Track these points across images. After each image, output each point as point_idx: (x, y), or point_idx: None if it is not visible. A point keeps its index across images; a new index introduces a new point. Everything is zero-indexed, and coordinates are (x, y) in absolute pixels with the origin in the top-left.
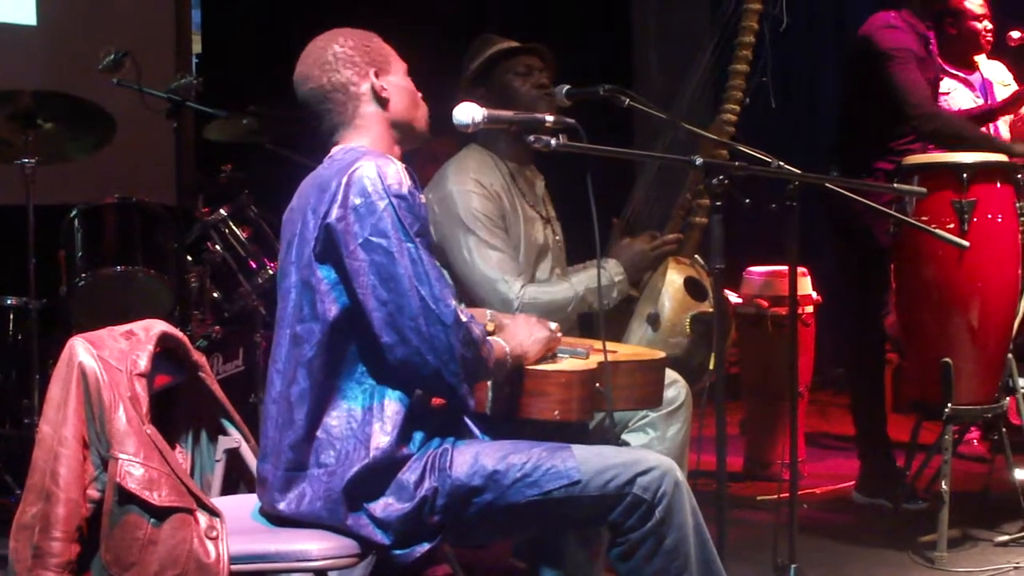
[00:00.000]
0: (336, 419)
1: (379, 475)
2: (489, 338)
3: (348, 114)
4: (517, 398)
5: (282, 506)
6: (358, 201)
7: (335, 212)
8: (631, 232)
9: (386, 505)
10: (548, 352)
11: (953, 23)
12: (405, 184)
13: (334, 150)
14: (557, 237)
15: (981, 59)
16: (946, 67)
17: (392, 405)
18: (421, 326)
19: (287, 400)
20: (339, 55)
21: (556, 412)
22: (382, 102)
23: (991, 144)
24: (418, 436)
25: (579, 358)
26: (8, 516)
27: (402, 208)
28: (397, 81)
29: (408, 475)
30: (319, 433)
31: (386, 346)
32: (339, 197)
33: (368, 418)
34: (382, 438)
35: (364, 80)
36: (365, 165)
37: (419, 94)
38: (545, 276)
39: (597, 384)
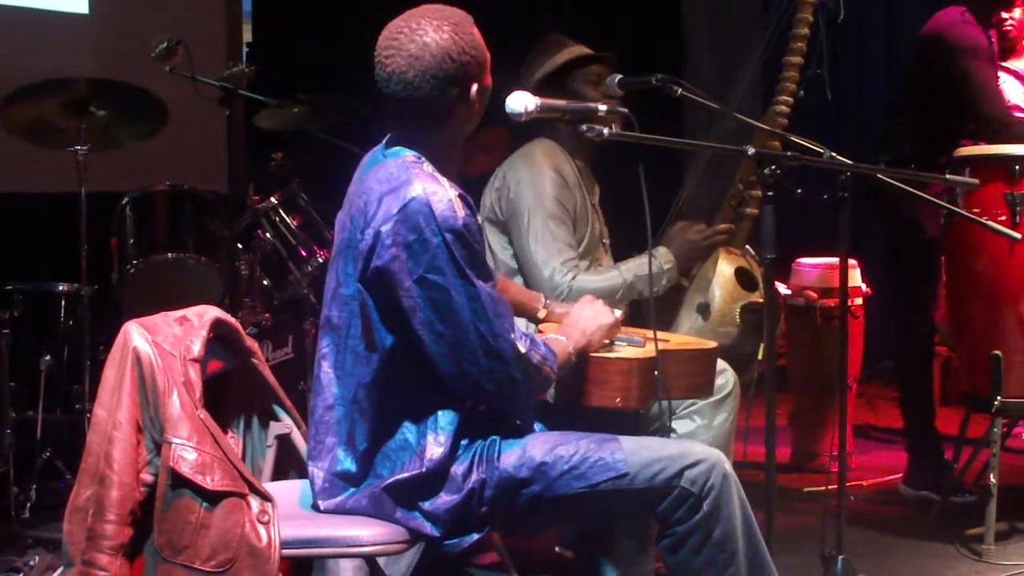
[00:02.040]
0: (394, 435)
1: (430, 483)
2: (550, 339)
3: (434, 121)
4: (579, 386)
5: (327, 504)
6: (411, 238)
7: (387, 253)
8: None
9: (435, 499)
10: (610, 338)
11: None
12: (459, 215)
13: (390, 158)
14: (606, 242)
15: None
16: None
17: (446, 416)
18: (480, 360)
19: (347, 415)
20: (459, 59)
21: (617, 399)
22: (471, 112)
23: None
24: (467, 440)
25: (636, 346)
26: (60, 500)
27: (455, 244)
28: (484, 91)
29: (456, 467)
30: (377, 449)
31: (446, 376)
32: (390, 237)
33: (423, 430)
34: (436, 449)
35: (469, 92)
36: (416, 196)
37: None
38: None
39: (655, 372)
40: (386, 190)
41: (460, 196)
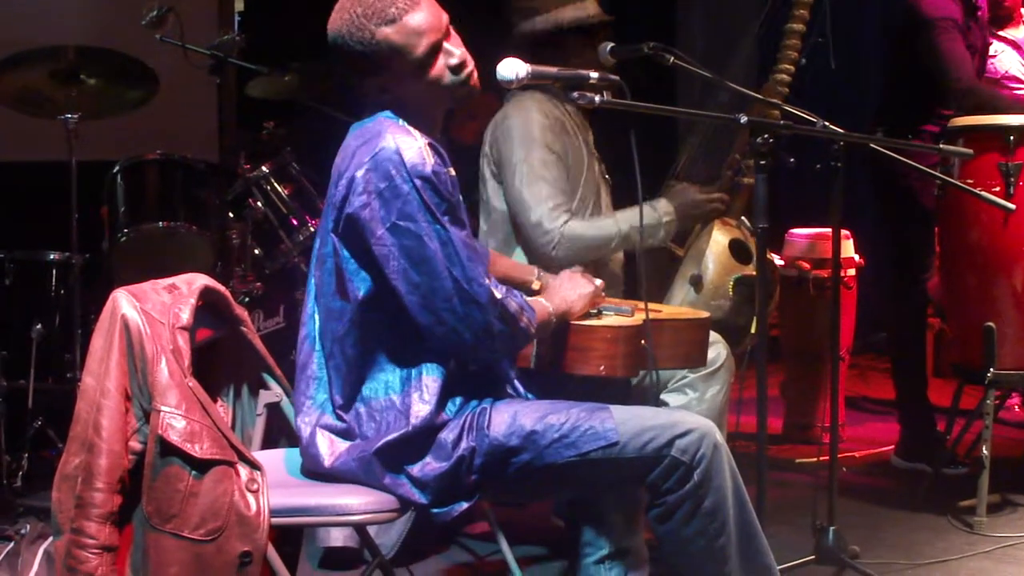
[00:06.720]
0: (375, 392)
1: (417, 443)
2: (530, 299)
3: (373, 72)
4: (561, 353)
5: (317, 454)
6: (382, 185)
7: (358, 200)
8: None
9: (424, 465)
10: (592, 307)
11: None
12: (428, 163)
13: (369, 121)
14: (607, 177)
15: None
16: (993, 29)
17: (430, 375)
18: (456, 307)
19: (324, 372)
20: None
21: (601, 367)
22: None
23: None
24: (457, 400)
25: (624, 315)
26: (52, 469)
27: (427, 190)
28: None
29: (446, 434)
30: (359, 406)
31: (423, 327)
32: (361, 184)
33: (407, 389)
34: (422, 407)
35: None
36: (386, 146)
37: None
38: (601, 209)
39: (642, 341)
40: (360, 143)
41: (430, 145)
